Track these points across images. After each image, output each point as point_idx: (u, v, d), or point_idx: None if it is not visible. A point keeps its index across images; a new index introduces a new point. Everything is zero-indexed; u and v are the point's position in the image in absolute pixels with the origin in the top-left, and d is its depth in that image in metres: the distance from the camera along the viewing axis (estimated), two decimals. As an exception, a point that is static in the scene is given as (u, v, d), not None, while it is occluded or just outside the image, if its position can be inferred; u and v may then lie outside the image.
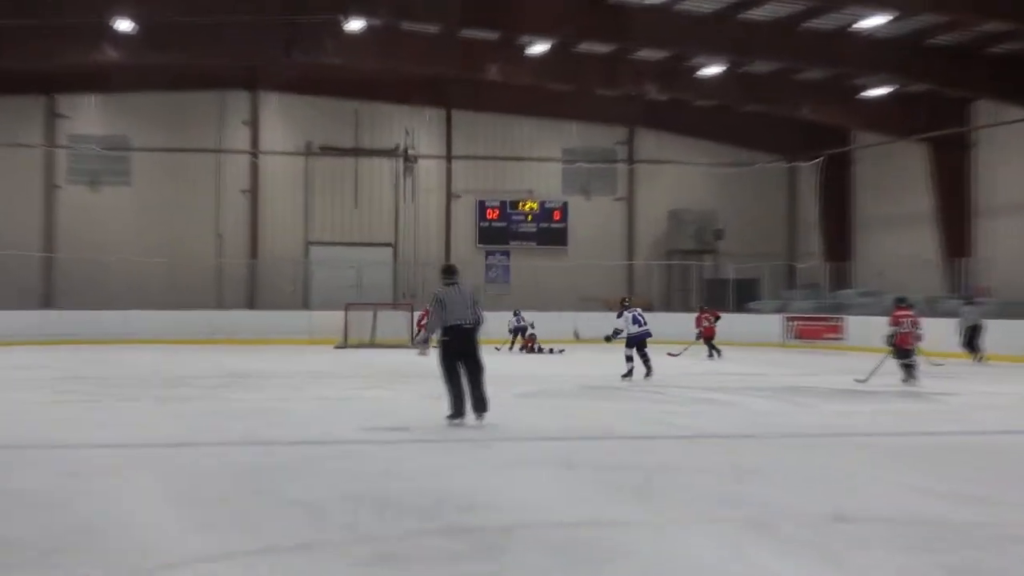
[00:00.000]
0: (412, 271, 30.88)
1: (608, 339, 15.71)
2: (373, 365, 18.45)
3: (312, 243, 30.76)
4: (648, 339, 15.29)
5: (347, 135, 31.03)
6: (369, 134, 31.15)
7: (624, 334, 15.09)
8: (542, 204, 31.98)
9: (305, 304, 29.35)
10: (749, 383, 14.54)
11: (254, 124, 30.29)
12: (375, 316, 25.97)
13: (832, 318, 26.31)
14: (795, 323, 27.23)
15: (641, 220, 32.79)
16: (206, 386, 13.57)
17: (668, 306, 31.24)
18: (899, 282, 25.83)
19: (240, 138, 30.38)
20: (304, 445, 8.13)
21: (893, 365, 14.13)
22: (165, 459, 7.37)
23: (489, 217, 31.72)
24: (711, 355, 21.04)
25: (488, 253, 31.88)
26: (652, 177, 32.65)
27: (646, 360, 15.09)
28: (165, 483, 6.32)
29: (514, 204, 31.84)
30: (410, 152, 30.94)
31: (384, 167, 31.27)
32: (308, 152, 30.82)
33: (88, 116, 29.66)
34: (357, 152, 31.05)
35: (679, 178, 32.47)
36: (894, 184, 28.84)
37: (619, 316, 15.24)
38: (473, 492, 5.95)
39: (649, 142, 32.70)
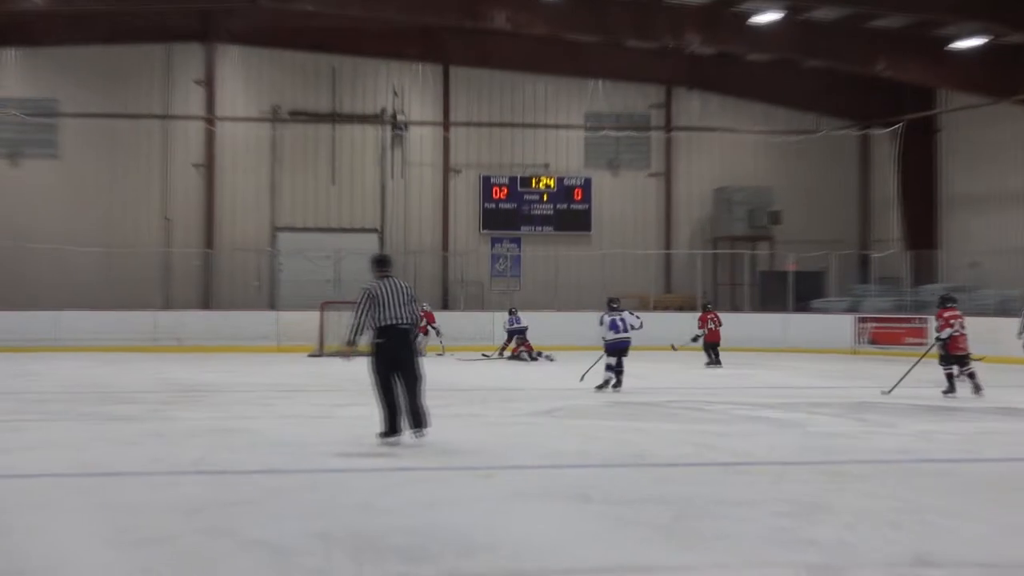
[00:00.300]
0: (402, 262, 30.93)
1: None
2: (355, 377, 18.48)
3: (280, 229, 30.86)
4: (628, 348, 15.80)
5: (323, 97, 31.11)
6: (350, 96, 31.23)
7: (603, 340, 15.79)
8: (560, 181, 31.99)
9: (272, 303, 29.49)
10: (810, 397, 14.53)
11: (209, 84, 30.35)
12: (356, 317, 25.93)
13: (914, 319, 26.23)
14: (869, 325, 27.18)
15: (681, 200, 32.78)
16: (151, 402, 13.63)
17: (715, 304, 31.25)
18: (997, 274, 25.77)
19: (192, 101, 30.45)
20: (268, 474, 8.15)
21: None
22: (102, 490, 7.41)
23: (496, 197, 31.75)
24: (710, 362, 21.48)
25: (495, 240, 31.93)
26: (694, 148, 32.66)
27: (619, 370, 15.62)
28: (102, 519, 6.35)
29: (526, 181, 31.86)
30: (399, 118, 31.01)
31: (368, 136, 31.34)
32: (275, 118, 30.89)
33: (6, 75, 29.77)
34: (335, 118, 31.12)
35: (727, 149, 32.46)
36: (990, 156, 28.71)
37: (600, 322, 15.88)
38: (470, 531, 5.96)
39: (691, 105, 32.71)
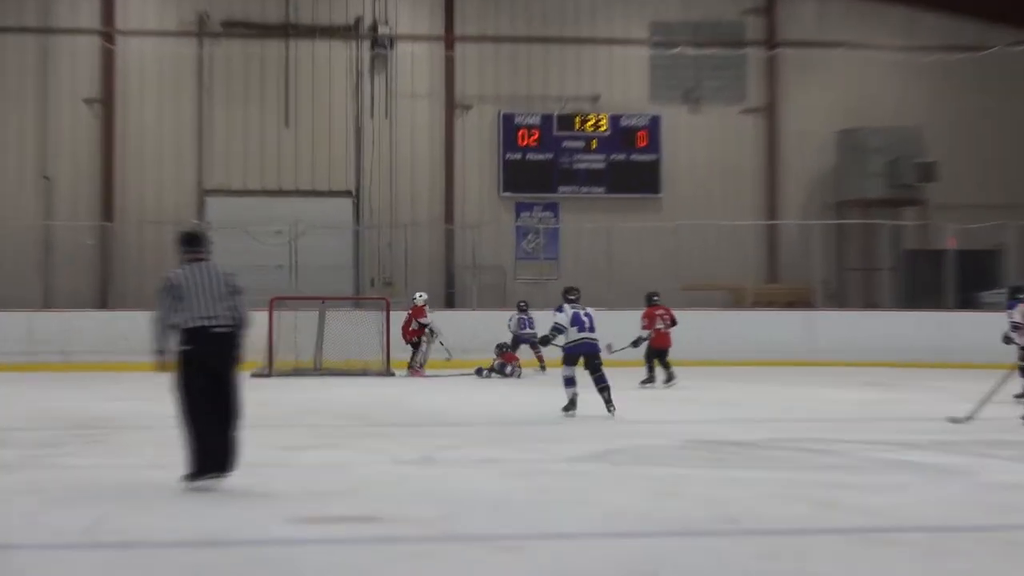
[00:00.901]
0: (388, 239, 30.98)
1: (541, 341, 17.61)
2: (318, 406, 18.55)
3: (211, 192, 31.12)
4: (597, 353, 16.46)
5: (271, 1, 31.13)
6: (310, 0, 31.28)
7: (561, 338, 16.58)
8: (616, 121, 32.00)
9: None
10: (981, 433, 14.42)
11: (107, -16, 30.55)
12: (322, 320, 26.16)
13: None
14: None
15: (790, 148, 32.84)
16: (26, 445, 13.56)
17: (841, 300, 31.17)
18: None
19: (83, 8, 30.58)
20: (194, 548, 8.14)
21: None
22: (-49, 571, 7.39)
23: (522, 144, 31.81)
24: (648, 379, 21.81)
25: (521, 208, 32.03)
26: (809, 71, 32.66)
27: (602, 386, 16.29)
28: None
29: (567, 121, 31.88)
30: (382, 30, 31.04)
31: (337, 57, 31.47)
32: (202, 31, 31.03)
33: None
34: (289, 30, 31.25)
35: (856, 73, 32.41)
36: None
37: (558, 310, 16.74)
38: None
39: (803, 10, 32.67)
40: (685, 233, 30.38)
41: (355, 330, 26.05)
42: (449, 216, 31.51)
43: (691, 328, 26.35)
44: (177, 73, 30.91)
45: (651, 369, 22.05)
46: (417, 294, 25.60)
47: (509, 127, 31.70)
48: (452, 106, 31.75)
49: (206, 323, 9.80)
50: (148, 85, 30.76)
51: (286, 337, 25.65)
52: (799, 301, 29.90)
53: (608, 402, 16.19)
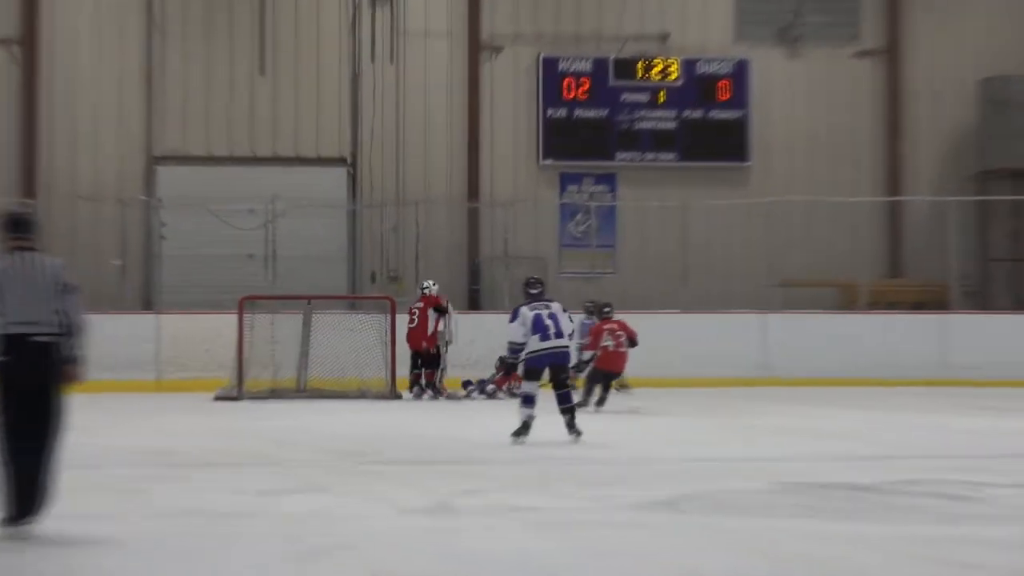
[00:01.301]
0: (393, 221, 31.01)
1: (504, 366, 18.25)
2: (303, 438, 18.61)
3: (163, 160, 31.38)
4: (566, 365, 16.87)
5: (241, -88, 31.32)
6: (292, -90, 31.45)
7: (522, 353, 17.05)
8: (690, 68, 32.08)
9: (145, 299, 30.05)
10: None
11: None
12: (307, 326, 26.25)
13: None
14: None
15: (918, 102, 32.89)
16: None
17: (985, 299, 31.08)
18: None
19: (-3, -78, 30.71)
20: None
21: None
22: None
23: (568, 97, 31.93)
24: (582, 402, 21.70)
25: (567, 180, 32.10)
26: (941, 4, 32.46)
27: (566, 406, 16.91)
28: None
29: (626, 67, 31.97)
30: (383, -50, 31.10)
31: (326, -15, 31.49)
32: (152, -48, 31.10)
33: None
34: (263, -50, 31.30)
35: (1003, 6, 32.21)
36: None
37: (512, 317, 17.13)
38: None
39: (935, -77, 32.60)
40: (781, 213, 30.35)
41: (350, 339, 26.07)
42: (473, 192, 31.53)
43: (787, 338, 26.38)
44: (120, 6, 30.98)
45: (588, 393, 22.56)
46: (426, 282, 25.65)
47: (552, 75, 31.75)
48: (477, 48, 31.83)
49: (26, 330, 9.83)
50: (83, 22, 30.85)
51: (261, 348, 25.72)
52: (929, 301, 29.87)
53: (571, 426, 16.61)
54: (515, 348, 16.85)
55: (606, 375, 22.53)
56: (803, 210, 30.56)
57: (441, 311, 25.17)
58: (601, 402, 22.51)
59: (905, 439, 18.59)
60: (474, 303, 30.58)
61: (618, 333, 22.67)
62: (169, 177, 30.74)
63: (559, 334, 16.67)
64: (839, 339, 27.08)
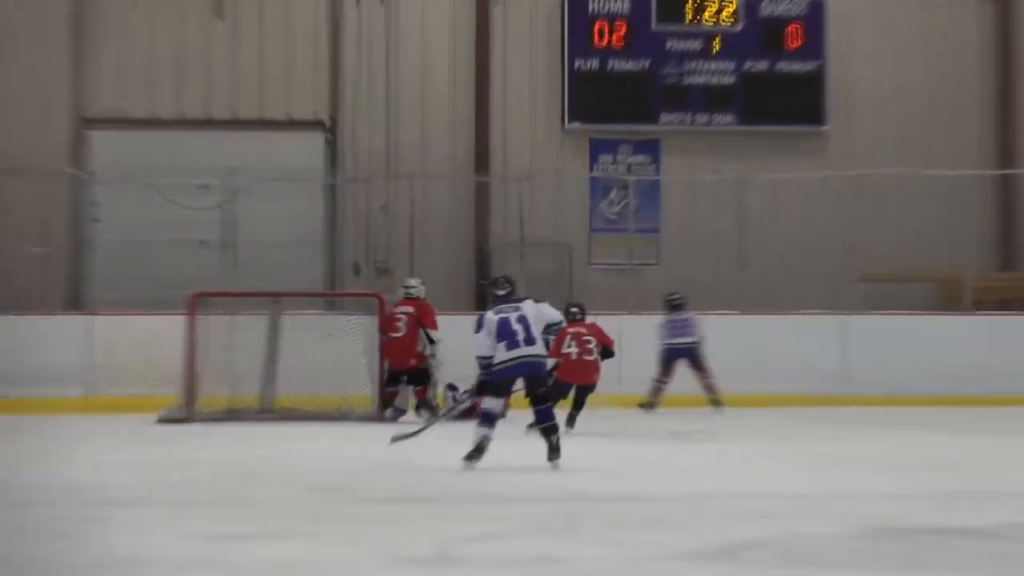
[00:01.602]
0: (383, 199, 30.91)
1: (477, 389, 17.99)
2: (270, 470, 18.63)
3: (96, 123, 31.61)
4: (541, 375, 17.56)
5: None
6: None
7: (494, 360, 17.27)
8: (752, 8, 32.12)
9: (73, 297, 30.28)
10: None
11: None
12: (275, 330, 26.24)
13: None
14: None
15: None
16: None
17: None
18: None
19: None
20: None
21: None
22: None
23: (600, 46, 32.08)
24: (535, 423, 22.01)
25: (598, 148, 32.06)
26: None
27: (547, 424, 17.35)
28: None
29: (672, 8, 31.90)
30: None
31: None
32: None
33: None
34: None
35: None
36: None
37: (478, 329, 17.42)
38: None
39: None
40: (864, 190, 30.28)
41: (329, 346, 26.15)
42: (482, 163, 31.54)
43: (870, 345, 26.41)
44: (43, -68, 31.08)
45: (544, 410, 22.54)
46: (411, 280, 25.61)
47: (579, 17, 31.81)
48: (485, -13, 31.75)
49: None
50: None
51: (216, 357, 25.67)
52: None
53: (553, 449, 16.92)
54: (484, 363, 17.09)
55: (568, 388, 22.92)
56: (892, 186, 30.59)
57: (429, 339, 25.19)
58: (571, 421, 22.83)
59: (1016, 472, 18.59)
60: (482, 301, 30.34)
61: (586, 338, 23.09)
62: (103, 145, 30.89)
63: (530, 340, 16.90)
64: (935, 347, 27.07)
